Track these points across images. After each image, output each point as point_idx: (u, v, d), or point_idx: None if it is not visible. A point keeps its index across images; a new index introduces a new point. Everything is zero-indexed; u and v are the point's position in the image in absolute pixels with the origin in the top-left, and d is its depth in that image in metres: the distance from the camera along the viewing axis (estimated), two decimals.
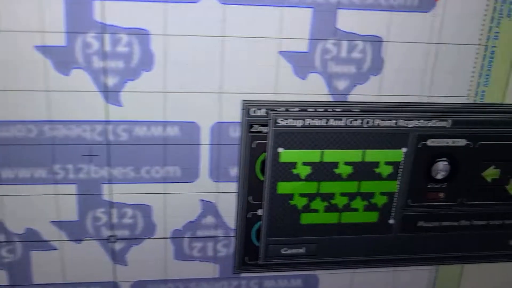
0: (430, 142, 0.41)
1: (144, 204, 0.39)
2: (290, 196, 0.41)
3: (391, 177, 0.41)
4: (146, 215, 0.40)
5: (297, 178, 0.40)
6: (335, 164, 0.40)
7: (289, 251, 0.43)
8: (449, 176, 0.42)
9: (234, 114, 0.38)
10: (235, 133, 0.38)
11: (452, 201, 0.43)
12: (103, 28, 0.34)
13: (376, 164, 0.41)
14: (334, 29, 0.36)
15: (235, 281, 0.43)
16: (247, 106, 0.38)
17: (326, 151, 0.40)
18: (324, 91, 0.38)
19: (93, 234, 0.39)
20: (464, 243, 0.45)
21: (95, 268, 0.41)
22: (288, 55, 0.37)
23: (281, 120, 0.38)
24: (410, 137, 0.40)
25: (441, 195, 0.43)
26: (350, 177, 0.41)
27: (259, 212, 0.41)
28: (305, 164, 0.40)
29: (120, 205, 0.39)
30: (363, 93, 0.38)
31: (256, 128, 0.38)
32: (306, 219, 0.42)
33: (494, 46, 0.39)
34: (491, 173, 0.43)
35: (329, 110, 0.39)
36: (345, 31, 0.37)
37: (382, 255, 0.44)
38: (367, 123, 0.39)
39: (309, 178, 0.40)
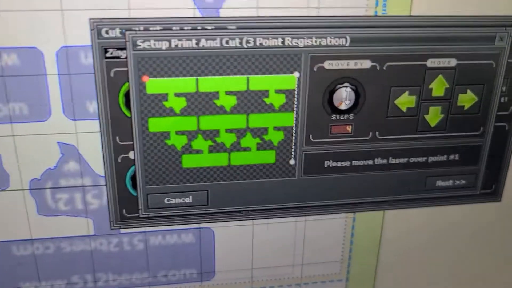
0: (328, 65, 0.35)
1: None
2: (166, 135, 0.35)
3: (285, 108, 0.35)
4: None
5: (170, 112, 0.34)
6: (215, 95, 0.34)
7: (174, 201, 0.37)
8: (355, 105, 0.36)
9: (83, 36, 0.32)
10: (87, 59, 0.32)
11: (362, 136, 0.37)
12: None
13: (265, 93, 0.35)
14: None
15: (114, 238, 0.37)
16: (97, 25, 0.31)
17: (202, 78, 0.34)
18: (190, 4, 0.32)
19: None
20: (383, 185, 0.39)
21: None
22: None
23: (142, 42, 0.32)
24: (302, 59, 0.34)
25: (349, 128, 0.37)
26: (236, 110, 0.35)
27: (131, 155, 0.35)
28: (177, 95, 0.34)
29: None
30: (238, 6, 0.32)
31: (112, 52, 0.32)
32: (189, 162, 0.36)
33: None
34: (405, 100, 0.37)
35: (198, 28, 0.32)
36: None
37: (287, 202, 0.38)
38: (248, 43, 0.33)
39: (185, 112, 0.34)
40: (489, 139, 0.39)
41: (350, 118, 0.36)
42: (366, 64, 0.35)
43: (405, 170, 0.39)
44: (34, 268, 0.37)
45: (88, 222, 0.36)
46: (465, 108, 0.38)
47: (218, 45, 0.33)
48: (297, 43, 0.34)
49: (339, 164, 0.38)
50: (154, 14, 0.32)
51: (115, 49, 0.32)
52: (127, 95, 0.33)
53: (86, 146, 0.34)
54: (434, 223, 0.41)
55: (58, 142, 0.34)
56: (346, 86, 0.35)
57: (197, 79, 0.34)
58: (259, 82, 0.34)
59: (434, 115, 0.37)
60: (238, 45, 0.33)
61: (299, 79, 0.35)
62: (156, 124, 0.34)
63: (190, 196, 0.37)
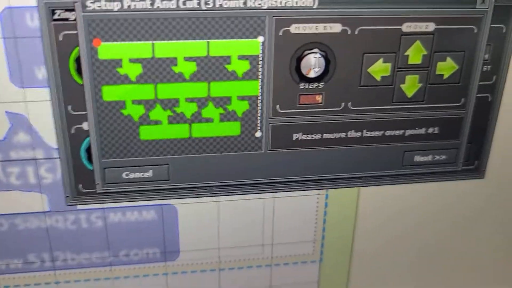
0: (294, 29, 0.32)
1: None
2: (121, 104, 0.33)
3: (249, 76, 0.33)
4: None
5: (125, 80, 0.32)
6: (173, 61, 0.32)
7: (133, 175, 0.35)
8: (325, 73, 0.34)
9: None
10: (33, 21, 0.30)
11: (334, 107, 0.35)
12: None
13: (226, 59, 0.32)
14: None
15: (71, 215, 0.35)
16: None
17: (158, 43, 0.31)
18: None
19: None
20: (357, 161, 0.37)
21: None
22: None
23: (91, 3, 0.30)
24: (266, 22, 0.32)
25: (319, 98, 0.34)
26: (196, 77, 0.33)
27: (85, 126, 0.33)
28: (132, 61, 0.32)
29: None
30: None
31: (60, 14, 0.30)
32: (147, 133, 0.34)
33: None
34: (379, 68, 0.34)
35: None
36: None
37: (254, 178, 0.36)
38: (207, 3, 0.31)
39: (141, 80, 0.32)
40: (471, 111, 0.36)
41: (320, 87, 0.34)
42: (336, 28, 0.33)
43: (380, 144, 0.36)
44: None
45: (43, 197, 0.34)
46: (445, 77, 0.35)
47: (175, 6, 0.31)
48: (260, 4, 0.31)
49: (309, 137, 0.35)
50: None
51: (63, 11, 0.30)
52: (78, 60, 0.31)
53: (37, 116, 0.32)
54: (413, 201, 0.39)
55: (6, 112, 0.32)
56: (315, 52, 0.33)
57: (153, 44, 0.31)
58: (220, 47, 0.32)
59: (411, 85, 0.35)
60: (196, 6, 0.31)
61: (263, 44, 0.32)
62: (110, 93, 0.32)
63: (150, 171, 0.35)
